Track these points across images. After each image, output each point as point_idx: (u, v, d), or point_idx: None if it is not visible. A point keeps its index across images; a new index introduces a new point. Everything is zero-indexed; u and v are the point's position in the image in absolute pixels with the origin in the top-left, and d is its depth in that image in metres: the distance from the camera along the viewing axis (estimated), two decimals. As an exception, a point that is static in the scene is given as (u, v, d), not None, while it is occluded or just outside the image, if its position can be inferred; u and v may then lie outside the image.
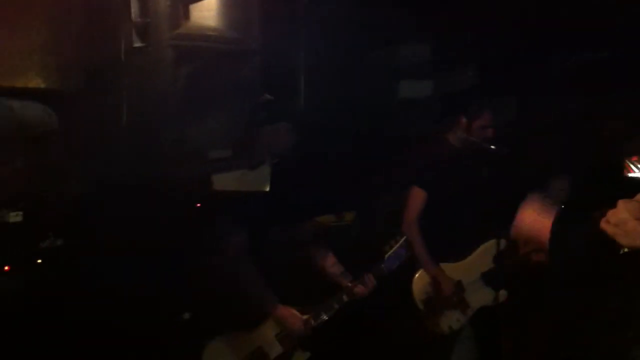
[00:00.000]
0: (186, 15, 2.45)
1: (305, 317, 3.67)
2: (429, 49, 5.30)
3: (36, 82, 3.03)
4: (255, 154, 2.74)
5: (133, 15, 2.37)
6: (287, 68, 4.27)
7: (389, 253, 3.85)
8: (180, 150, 2.46)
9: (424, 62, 5.29)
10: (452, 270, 4.20)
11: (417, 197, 4.18)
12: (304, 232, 3.99)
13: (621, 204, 1.86)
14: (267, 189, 3.32)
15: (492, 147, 4.18)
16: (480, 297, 4.21)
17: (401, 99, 5.28)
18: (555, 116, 5.14)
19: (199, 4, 2.48)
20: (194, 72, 2.50)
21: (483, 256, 4.24)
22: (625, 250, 1.86)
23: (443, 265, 4.17)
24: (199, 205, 3.92)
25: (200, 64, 2.51)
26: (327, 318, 3.73)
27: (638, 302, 3.11)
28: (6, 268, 3.22)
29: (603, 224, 1.88)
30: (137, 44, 2.38)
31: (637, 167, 4.55)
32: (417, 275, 4.14)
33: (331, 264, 3.94)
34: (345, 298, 3.78)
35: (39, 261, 3.36)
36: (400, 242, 3.88)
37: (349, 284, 3.81)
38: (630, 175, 4.54)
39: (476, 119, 4.23)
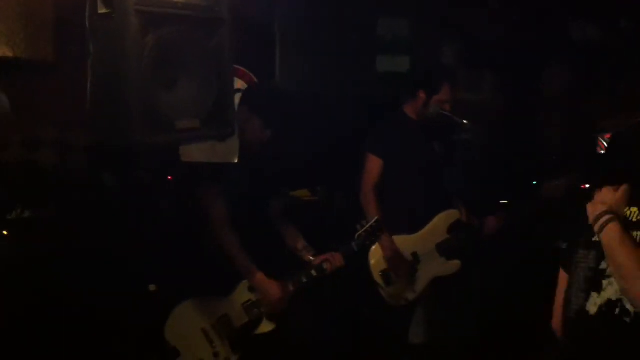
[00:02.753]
0: (153, -19, 2.40)
1: (276, 286, 3.68)
2: (408, 24, 5.28)
3: (2, 50, 2.99)
4: (225, 125, 2.69)
5: (97, -20, 2.31)
6: (261, 39, 4.23)
7: (360, 231, 3.86)
8: (148, 119, 2.41)
9: (402, 37, 5.27)
10: (408, 241, 4.25)
11: (373, 166, 4.23)
12: (275, 207, 3.98)
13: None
14: (236, 160, 3.29)
15: (463, 120, 4.19)
16: (434, 267, 4.27)
17: (379, 74, 5.26)
18: (532, 93, 5.15)
19: (167, -31, 2.43)
20: (161, 39, 2.44)
21: (438, 227, 4.29)
22: None
23: (399, 236, 4.21)
24: (171, 177, 3.91)
25: (168, 31, 2.46)
26: (294, 290, 3.74)
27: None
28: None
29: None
30: (102, 10, 2.32)
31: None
32: (373, 247, 4.17)
33: (300, 243, 3.96)
34: (314, 273, 3.79)
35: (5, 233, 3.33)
36: (372, 221, 3.88)
37: (318, 261, 3.82)
38: (602, 152, 4.58)
39: (435, 94, 4.24)
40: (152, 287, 3.61)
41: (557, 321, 2.35)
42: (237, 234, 3.62)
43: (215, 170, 3.51)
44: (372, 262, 4.25)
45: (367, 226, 3.83)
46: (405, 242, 4.26)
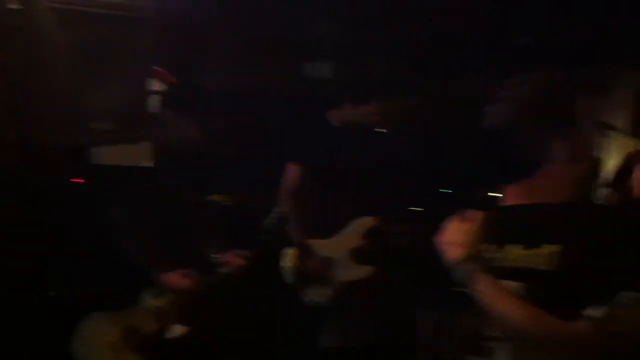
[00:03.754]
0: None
1: (188, 278, 3.62)
2: (339, 31, 5.26)
3: None
4: (139, 127, 2.62)
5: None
6: (188, 39, 4.15)
7: (268, 227, 3.83)
8: (59, 118, 2.32)
9: (333, 44, 5.26)
10: (323, 245, 4.24)
11: (294, 173, 4.20)
12: (190, 210, 3.92)
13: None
14: (151, 164, 3.22)
15: (381, 130, 4.21)
16: (347, 272, 4.28)
17: (304, 78, 5.23)
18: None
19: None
20: (76, 37, 2.36)
21: (354, 233, 4.31)
22: None
23: (315, 240, 4.20)
24: (82, 180, 3.79)
25: (83, 28, 2.38)
26: (205, 290, 3.69)
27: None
28: None
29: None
30: (13, 5, 2.22)
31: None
32: (288, 250, 4.15)
33: (217, 246, 3.91)
34: (222, 273, 3.74)
35: None
36: (279, 216, 3.86)
37: (227, 260, 3.78)
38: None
39: (360, 101, 4.24)
40: (51, 293, 3.47)
41: None
42: (146, 239, 3.52)
43: (128, 174, 3.41)
44: (287, 263, 4.22)
45: (275, 221, 3.81)
46: (320, 246, 4.26)
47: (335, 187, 4.26)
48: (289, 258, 4.19)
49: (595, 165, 1.72)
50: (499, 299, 1.60)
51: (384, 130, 4.22)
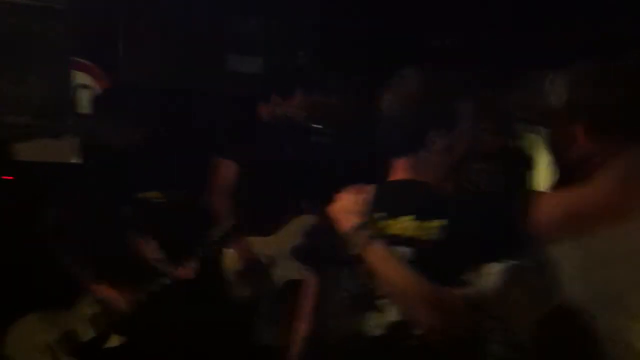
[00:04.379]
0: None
1: (124, 296, 3.51)
2: (262, 25, 5.23)
3: None
4: (60, 121, 2.53)
5: None
6: (105, 31, 4.05)
7: (214, 238, 3.75)
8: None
9: (255, 38, 5.23)
10: (263, 243, 4.21)
11: (226, 170, 4.16)
12: (124, 212, 3.81)
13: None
14: (73, 160, 3.12)
15: (315, 125, 4.20)
16: (286, 270, 4.25)
17: (231, 73, 5.19)
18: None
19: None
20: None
21: (293, 231, 4.28)
22: None
23: (254, 238, 4.17)
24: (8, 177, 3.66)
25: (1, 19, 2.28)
26: (146, 299, 3.58)
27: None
28: None
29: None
30: None
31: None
32: (228, 249, 4.10)
33: (151, 249, 3.81)
34: (167, 281, 3.63)
35: None
36: (227, 228, 3.79)
37: (169, 270, 3.68)
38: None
39: (288, 96, 4.23)
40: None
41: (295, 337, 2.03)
42: (74, 242, 3.40)
43: (54, 172, 3.29)
44: (227, 262, 4.17)
45: (222, 233, 3.73)
46: (259, 244, 4.21)
47: (271, 184, 4.23)
48: (229, 259, 4.14)
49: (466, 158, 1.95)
50: (385, 263, 1.81)
51: (320, 126, 4.22)
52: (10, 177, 3.58)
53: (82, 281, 3.36)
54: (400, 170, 1.94)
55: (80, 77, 4.04)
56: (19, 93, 2.36)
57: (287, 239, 4.21)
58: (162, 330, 3.73)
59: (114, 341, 3.49)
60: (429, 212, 1.82)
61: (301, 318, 2.03)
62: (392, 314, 1.86)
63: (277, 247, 4.20)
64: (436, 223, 1.80)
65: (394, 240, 1.84)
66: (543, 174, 4.45)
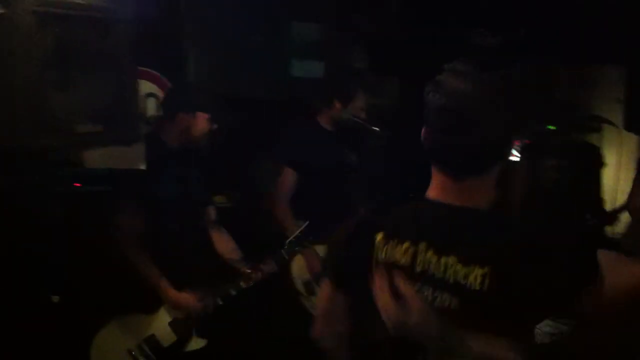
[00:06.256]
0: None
1: (200, 302, 3.57)
2: (321, 29, 5.27)
3: None
4: (129, 129, 2.62)
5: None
6: (169, 40, 4.15)
7: (290, 238, 3.79)
8: (41, 122, 2.33)
9: (315, 42, 5.26)
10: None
11: (288, 178, 4.18)
12: (202, 215, 3.88)
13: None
14: (144, 167, 3.20)
15: (374, 127, 4.20)
16: None
17: (293, 78, 5.24)
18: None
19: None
20: (60, 40, 2.37)
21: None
22: None
23: (319, 247, 4.18)
24: (78, 184, 3.76)
25: (67, 32, 2.38)
26: (223, 303, 3.63)
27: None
28: None
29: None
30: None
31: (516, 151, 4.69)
32: (296, 258, 4.12)
33: (230, 249, 3.87)
34: (242, 284, 3.67)
35: None
36: (302, 227, 3.82)
37: (247, 270, 3.72)
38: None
39: (349, 102, 4.23)
40: (55, 299, 3.43)
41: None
42: (145, 250, 3.47)
43: (126, 179, 3.37)
44: (295, 271, 4.18)
45: (298, 232, 3.78)
46: (322, 250, 4.22)
47: (331, 191, 4.23)
48: (299, 267, 4.17)
49: None
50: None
51: (377, 129, 4.21)
52: (79, 185, 3.69)
53: (158, 287, 3.46)
54: (446, 188, 1.63)
55: (147, 86, 4.18)
56: (89, 103, 2.44)
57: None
58: (240, 333, 3.79)
59: (195, 345, 3.57)
60: (476, 256, 1.54)
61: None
62: None
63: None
64: (483, 270, 1.52)
65: (438, 284, 1.58)
66: (615, 172, 4.36)
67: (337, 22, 5.08)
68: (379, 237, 1.67)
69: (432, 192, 1.68)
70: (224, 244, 3.87)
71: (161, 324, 3.55)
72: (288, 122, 4.45)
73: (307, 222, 3.81)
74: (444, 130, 1.58)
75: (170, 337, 3.56)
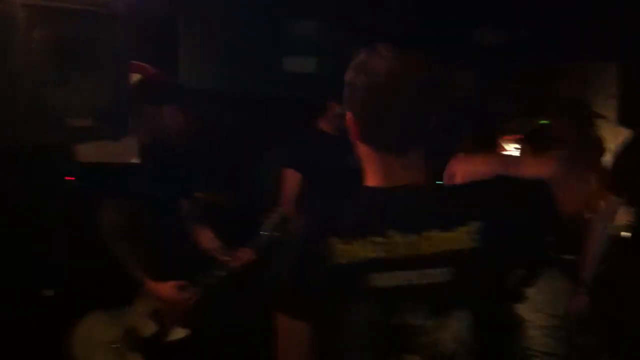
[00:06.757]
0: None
1: (180, 291, 3.56)
2: (317, 26, 5.24)
3: None
4: (120, 124, 2.60)
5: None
6: (162, 35, 4.12)
7: (267, 224, 3.77)
8: (37, 118, 2.31)
9: (311, 39, 5.23)
10: None
11: (293, 181, 4.17)
12: (184, 208, 3.87)
13: None
14: (134, 161, 3.18)
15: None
16: None
17: (288, 74, 5.21)
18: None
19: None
20: (51, 34, 2.34)
21: None
22: None
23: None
24: (70, 178, 3.75)
25: (58, 25, 2.36)
26: (204, 293, 3.63)
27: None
28: None
29: None
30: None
31: (509, 146, 4.71)
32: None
33: (209, 238, 3.85)
34: (222, 273, 3.68)
35: None
36: (278, 212, 3.80)
37: (227, 258, 3.71)
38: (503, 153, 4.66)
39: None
40: (48, 292, 3.41)
41: None
42: (126, 241, 3.46)
43: (112, 173, 3.36)
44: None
45: (274, 217, 3.76)
46: None
47: (336, 194, 4.18)
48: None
49: None
50: None
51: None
52: (72, 178, 3.68)
53: (140, 278, 3.45)
54: (390, 169, 1.66)
55: (136, 79, 4.13)
56: (80, 97, 2.42)
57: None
58: (222, 322, 3.78)
59: (176, 335, 3.56)
60: (459, 218, 1.53)
61: None
62: None
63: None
64: (470, 227, 1.52)
65: (430, 261, 1.52)
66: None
67: (337, 21, 5.04)
68: (334, 242, 1.60)
69: (375, 179, 1.71)
70: (203, 235, 3.86)
71: (141, 315, 3.55)
72: (288, 123, 4.42)
73: (280, 209, 3.80)
74: (378, 106, 1.62)
75: (151, 327, 3.55)
